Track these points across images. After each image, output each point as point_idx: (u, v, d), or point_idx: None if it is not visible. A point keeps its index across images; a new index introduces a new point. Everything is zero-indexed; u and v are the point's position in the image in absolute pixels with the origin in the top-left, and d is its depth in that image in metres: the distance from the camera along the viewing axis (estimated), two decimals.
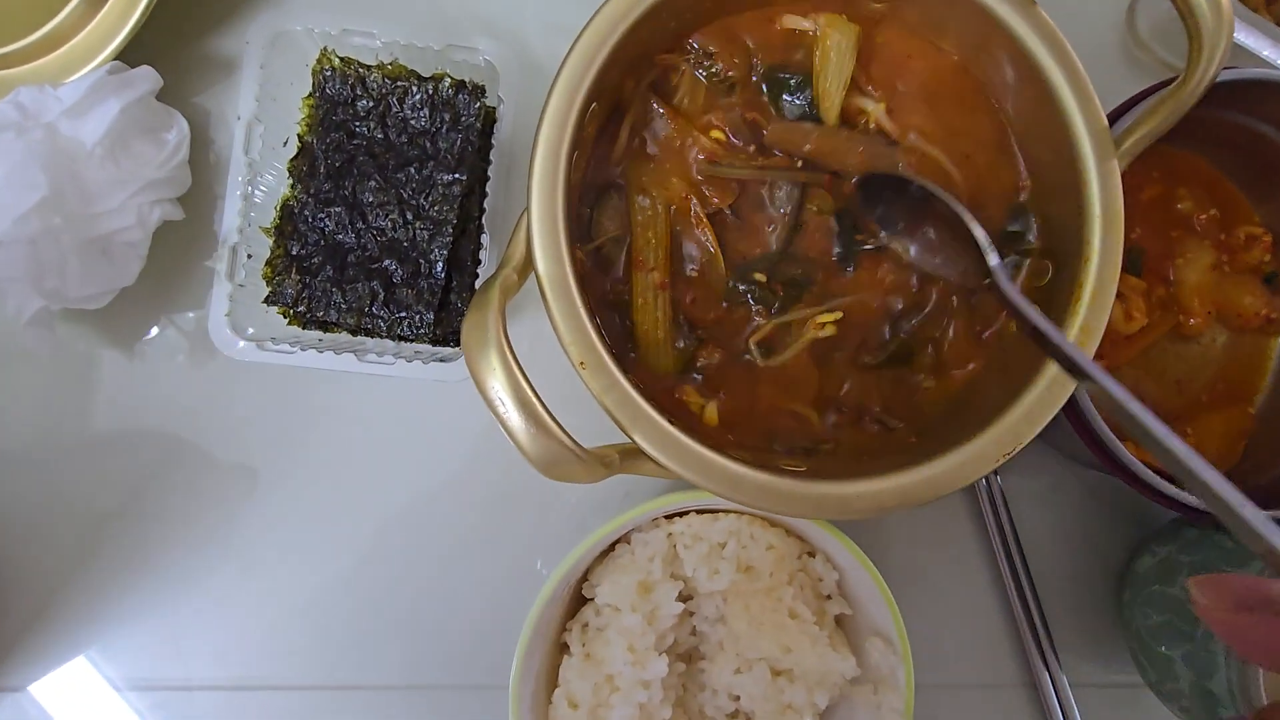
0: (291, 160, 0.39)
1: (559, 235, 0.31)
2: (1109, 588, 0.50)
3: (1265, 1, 0.48)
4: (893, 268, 0.39)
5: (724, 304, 0.38)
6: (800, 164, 0.38)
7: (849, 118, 0.40)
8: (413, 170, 0.39)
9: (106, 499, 0.46)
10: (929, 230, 0.38)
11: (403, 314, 0.38)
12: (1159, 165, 0.49)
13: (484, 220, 0.39)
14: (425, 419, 0.43)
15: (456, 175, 0.38)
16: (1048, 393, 0.33)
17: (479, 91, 0.39)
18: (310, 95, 0.40)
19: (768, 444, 0.39)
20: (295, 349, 0.37)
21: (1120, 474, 0.40)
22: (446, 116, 0.39)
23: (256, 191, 0.39)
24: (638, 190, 0.38)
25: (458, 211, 0.38)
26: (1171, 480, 0.40)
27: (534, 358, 0.43)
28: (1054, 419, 0.34)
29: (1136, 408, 0.26)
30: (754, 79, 0.39)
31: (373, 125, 0.40)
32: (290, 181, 0.39)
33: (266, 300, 0.39)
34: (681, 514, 0.37)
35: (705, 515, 0.37)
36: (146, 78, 0.41)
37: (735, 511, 0.37)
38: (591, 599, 0.37)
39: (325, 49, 0.39)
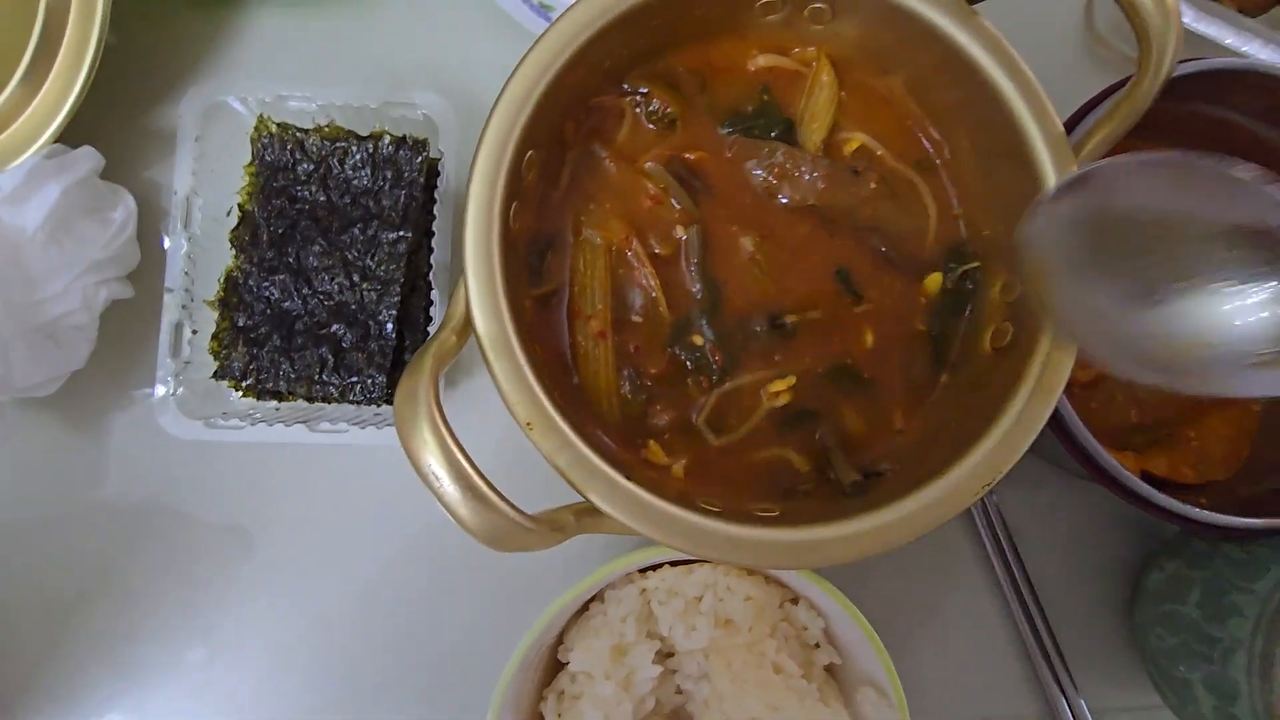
0: (233, 230, 0.38)
1: (497, 292, 0.30)
2: (1121, 606, 0.47)
3: None
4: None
5: (670, 351, 0.37)
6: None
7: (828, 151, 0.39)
8: (357, 231, 0.38)
9: (74, 581, 0.45)
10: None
11: (354, 379, 0.37)
12: None
13: (431, 276, 0.38)
14: (388, 481, 0.42)
15: (401, 232, 0.38)
16: (1026, 414, 0.31)
17: (420, 146, 0.38)
18: (250, 163, 0.39)
19: (745, 490, 0.37)
20: (245, 424, 0.36)
21: (1112, 487, 0.38)
22: (388, 174, 0.38)
23: (200, 264, 0.38)
24: (578, 235, 0.37)
25: (405, 269, 0.37)
26: (1165, 488, 0.38)
27: (489, 415, 0.42)
28: (1040, 434, 0.32)
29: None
30: (701, 115, 0.38)
31: (314, 189, 0.39)
32: (233, 252, 0.38)
33: (215, 375, 0.38)
34: (655, 567, 0.36)
35: (680, 567, 0.35)
36: (87, 158, 0.41)
37: (710, 563, 0.35)
38: (567, 664, 0.35)
39: (262, 116, 0.39)
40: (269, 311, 0.38)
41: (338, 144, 0.39)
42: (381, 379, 0.37)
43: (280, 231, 0.38)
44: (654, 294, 0.37)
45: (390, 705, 0.43)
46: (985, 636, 0.46)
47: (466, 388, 0.45)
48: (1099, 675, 0.46)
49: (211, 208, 0.39)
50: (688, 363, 0.37)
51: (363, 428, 0.36)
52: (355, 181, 0.39)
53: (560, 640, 0.36)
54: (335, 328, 0.38)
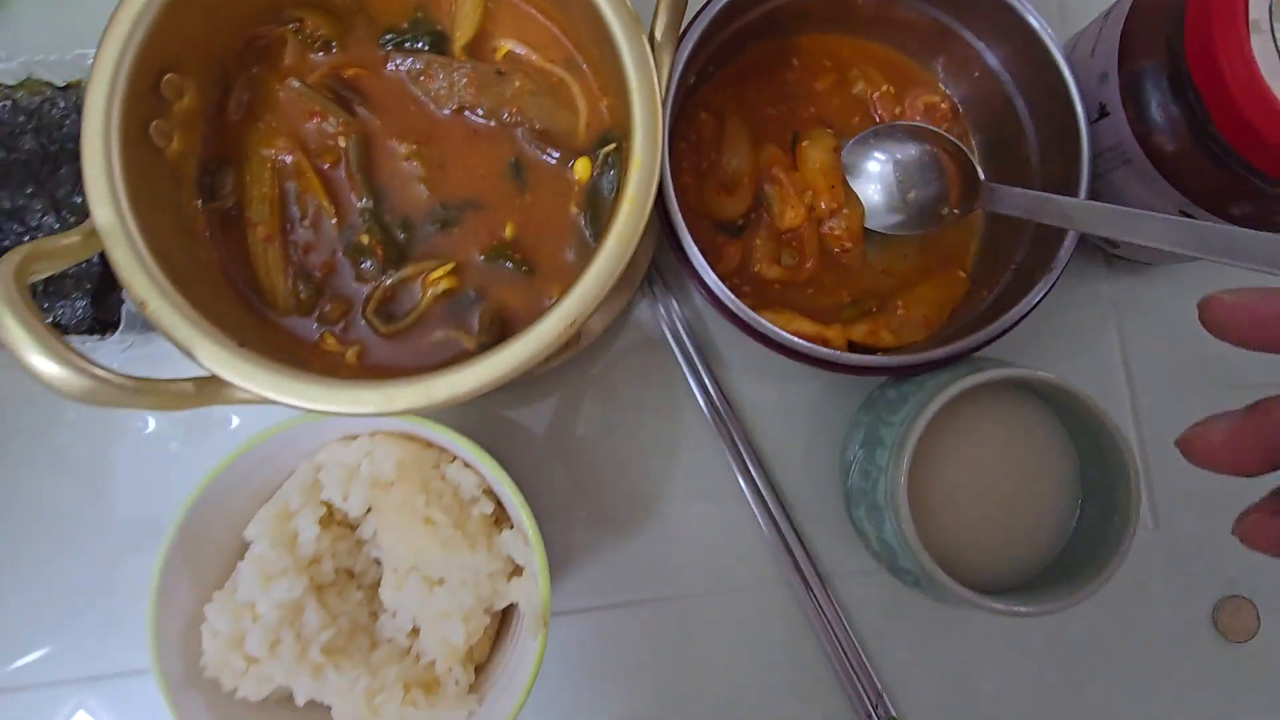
0: None
1: (114, 186, 0.34)
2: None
3: None
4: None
5: (337, 255, 0.40)
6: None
7: (478, 56, 0.42)
8: (64, 171, 0.42)
9: None
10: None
11: (62, 303, 0.41)
12: (827, 55, 0.50)
13: None
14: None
15: None
16: (601, 267, 0.34)
17: None
18: None
19: (421, 367, 0.40)
20: None
21: (725, 314, 0.40)
22: None
23: None
24: (249, 153, 0.40)
25: None
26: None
27: None
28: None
29: None
30: (362, 35, 0.42)
31: (29, 139, 0.43)
32: None
33: None
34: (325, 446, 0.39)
35: (343, 440, 0.38)
36: None
37: (368, 434, 0.38)
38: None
39: None
40: None
41: (44, 97, 0.43)
42: (85, 302, 0.41)
43: None
44: (320, 202, 0.41)
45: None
46: (725, 513, 0.48)
47: None
48: (828, 539, 0.48)
49: None
50: (354, 260, 0.40)
51: None
52: (64, 128, 0.43)
53: None
54: None
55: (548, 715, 0.46)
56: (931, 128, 0.46)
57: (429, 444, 0.39)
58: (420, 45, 0.41)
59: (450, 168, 0.41)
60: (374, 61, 0.42)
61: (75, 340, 0.42)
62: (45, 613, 0.46)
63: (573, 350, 0.46)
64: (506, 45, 0.42)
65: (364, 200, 0.40)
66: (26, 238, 0.42)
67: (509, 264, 0.41)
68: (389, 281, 0.40)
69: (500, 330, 0.40)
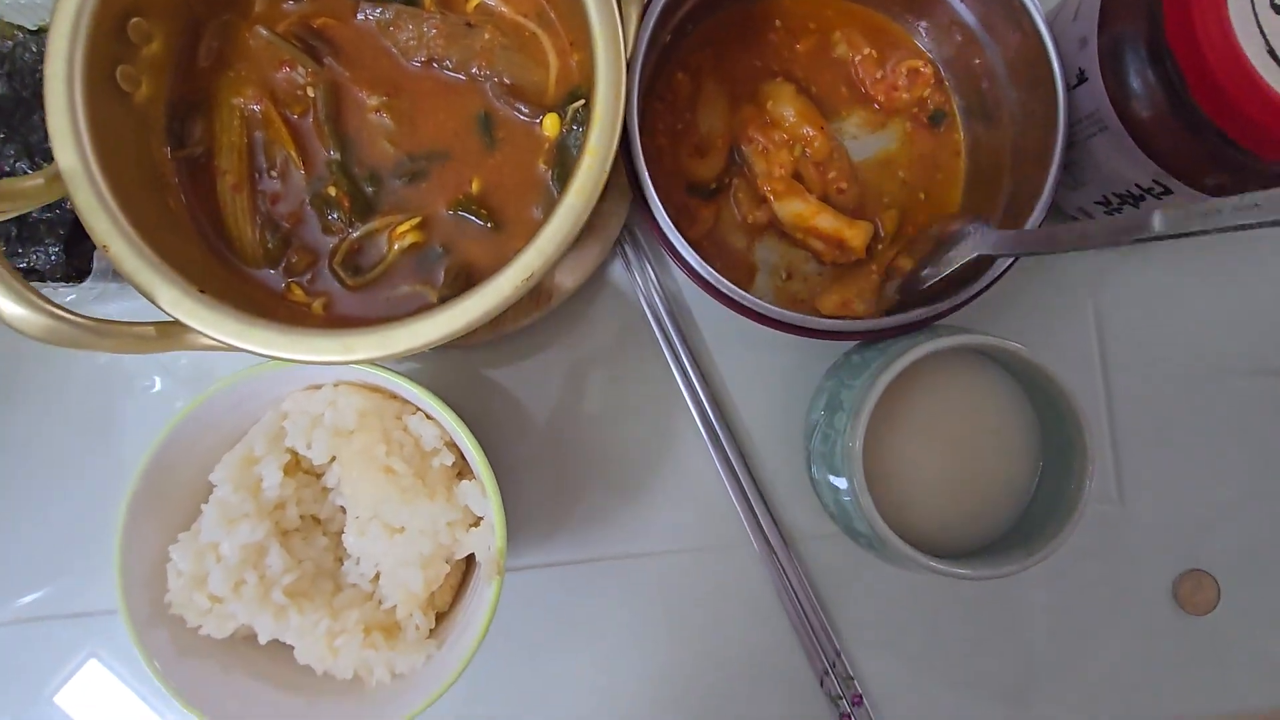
0: None
1: (77, 129, 0.34)
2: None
3: None
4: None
5: (305, 206, 0.40)
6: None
7: (448, 6, 0.42)
8: (37, 118, 0.42)
9: None
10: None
11: (36, 249, 0.42)
12: (811, 16, 0.50)
13: None
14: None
15: None
16: (560, 223, 0.34)
17: None
18: None
19: (383, 317, 0.41)
20: None
21: (695, 279, 0.40)
22: None
23: None
24: (217, 101, 0.40)
25: None
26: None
27: None
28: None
29: None
30: None
31: (0, 83, 0.43)
32: None
33: None
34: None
35: (308, 390, 0.39)
36: None
37: (332, 384, 0.39)
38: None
39: None
40: None
41: (16, 41, 0.43)
42: (59, 248, 0.42)
43: None
44: (288, 152, 0.40)
45: None
46: (683, 471, 0.49)
47: None
48: (794, 502, 0.49)
49: None
50: (321, 212, 0.40)
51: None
52: (39, 74, 0.43)
53: None
54: None
55: (510, 668, 0.47)
56: None
57: (393, 395, 0.39)
58: None
59: (419, 121, 0.41)
60: (344, 10, 0.41)
61: (48, 287, 0.42)
62: (50, 553, 0.48)
63: (544, 308, 0.46)
64: None
65: (332, 151, 0.40)
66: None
67: (475, 219, 0.41)
68: (356, 234, 0.40)
69: (465, 284, 0.40)
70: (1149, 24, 0.37)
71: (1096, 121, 0.41)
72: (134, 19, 0.37)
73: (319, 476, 0.40)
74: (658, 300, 0.49)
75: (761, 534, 0.48)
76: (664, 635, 0.49)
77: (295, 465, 0.39)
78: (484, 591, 0.37)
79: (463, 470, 0.40)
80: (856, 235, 0.46)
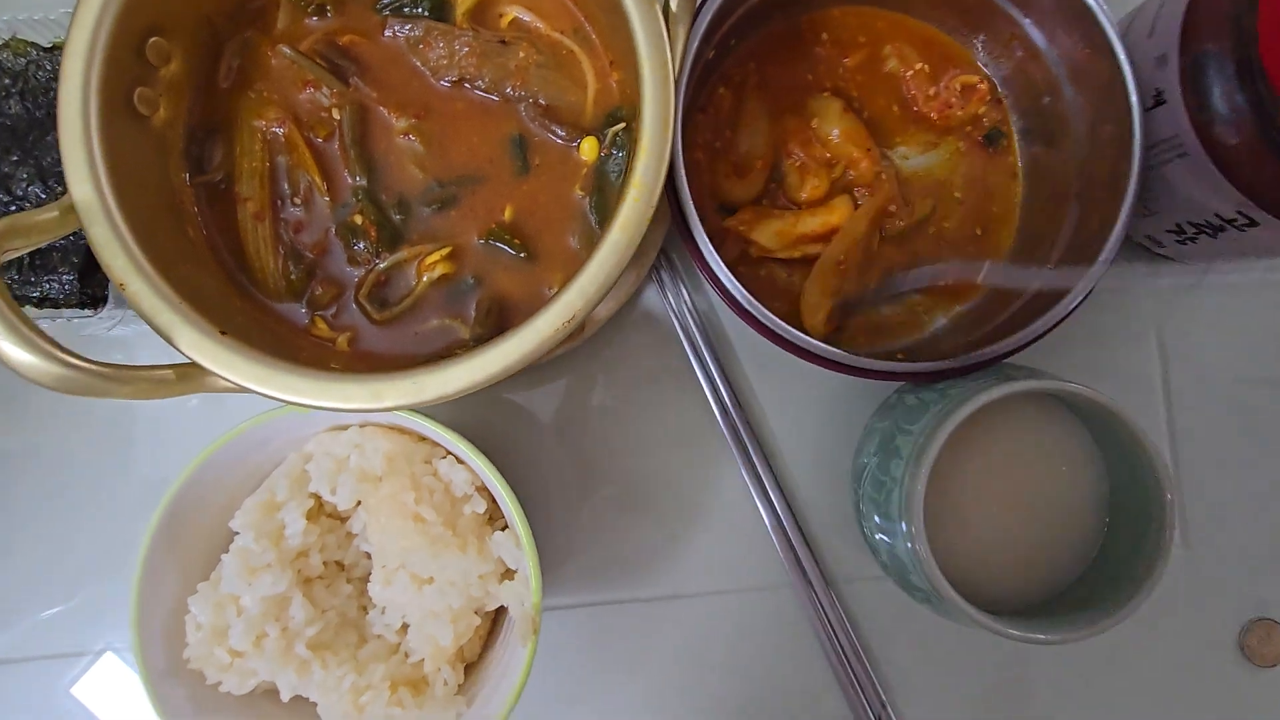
0: None
1: (92, 159, 0.32)
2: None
3: None
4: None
5: (330, 235, 0.38)
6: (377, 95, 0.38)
7: (481, 23, 0.40)
8: (51, 138, 0.40)
9: None
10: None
11: (49, 277, 0.40)
12: (863, 30, 0.47)
13: None
14: None
15: None
16: (599, 267, 0.32)
17: None
18: None
19: (412, 356, 0.39)
20: None
21: (738, 310, 0.38)
22: None
23: None
24: (238, 124, 0.38)
25: None
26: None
27: None
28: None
29: None
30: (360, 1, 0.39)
31: (13, 103, 0.41)
32: None
33: None
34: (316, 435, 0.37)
35: (332, 430, 0.37)
36: None
37: (358, 425, 0.37)
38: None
39: None
40: None
41: (29, 58, 0.41)
42: (72, 277, 0.40)
43: None
44: (313, 178, 0.38)
45: None
46: (721, 507, 0.47)
47: None
48: (837, 542, 0.46)
49: None
50: (347, 242, 0.38)
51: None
52: (52, 92, 0.41)
53: None
54: None
55: (539, 712, 0.45)
56: None
57: (421, 438, 0.37)
58: (420, 10, 0.38)
59: (449, 144, 0.39)
60: (371, 27, 0.39)
61: (64, 315, 0.41)
62: (67, 567, 0.46)
63: (577, 339, 0.44)
64: (512, 12, 0.39)
65: (358, 177, 0.38)
66: (13, 208, 0.41)
67: (508, 248, 0.38)
68: (383, 265, 0.38)
69: (498, 319, 0.38)
70: (1237, 40, 0.34)
71: (1175, 146, 0.38)
72: (153, 38, 0.35)
73: (344, 521, 0.38)
74: (693, 325, 0.46)
75: (803, 575, 0.46)
76: (700, 680, 0.46)
77: (319, 510, 0.37)
78: (517, 650, 0.34)
79: (494, 515, 0.38)
80: (838, 212, 0.43)
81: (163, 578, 0.35)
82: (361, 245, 0.38)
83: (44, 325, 0.39)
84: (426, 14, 0.38)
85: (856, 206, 0.44)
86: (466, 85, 0.39)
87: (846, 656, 0.46)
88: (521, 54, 0.38)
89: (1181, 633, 0.47)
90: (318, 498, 0.37)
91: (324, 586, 0.37)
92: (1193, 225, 0.40)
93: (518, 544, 0.34)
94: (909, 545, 0.35)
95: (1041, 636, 0.34)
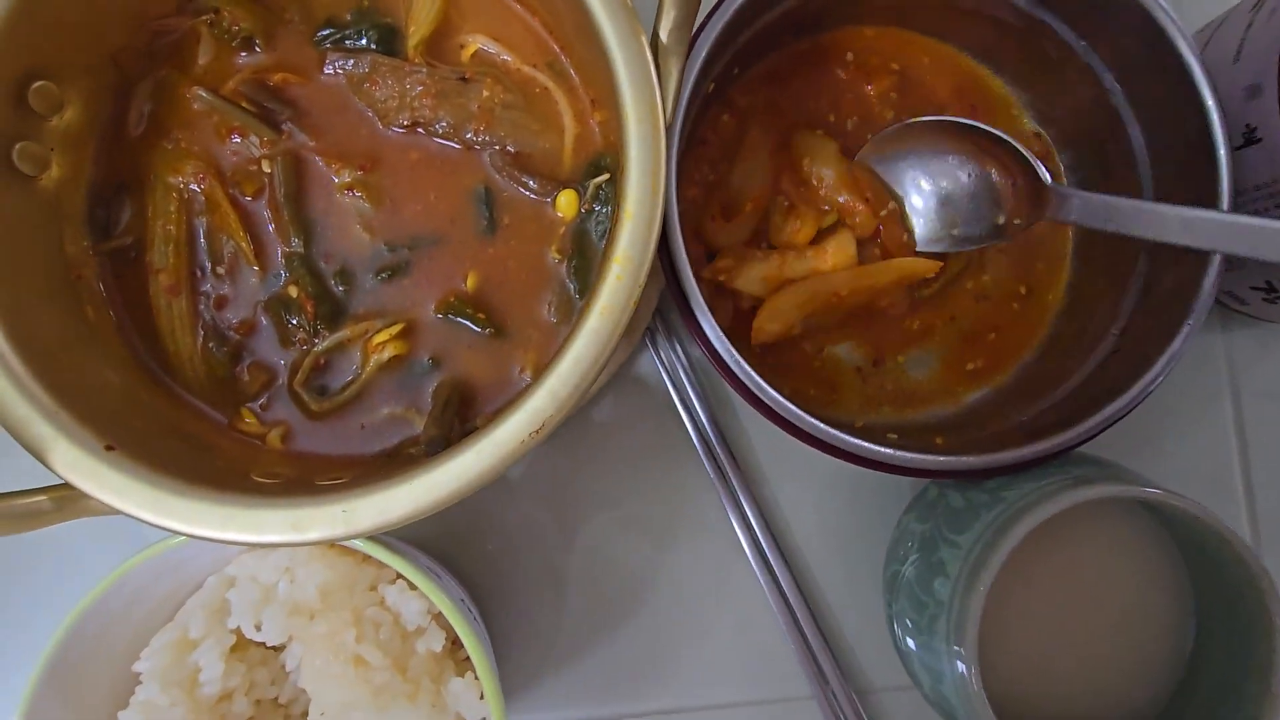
0: None
1: None
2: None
3: None
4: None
5: (259, 312, 0.32)
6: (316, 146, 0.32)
7: (438, 57, 0.34)
8: None
9: None
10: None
11: None
12: (897, 56, 0.41)
13: None
14: None
15: None
16: (570, 368, 0.26)
17: None
18: None
19: (355, 455, 0.32)
20: None
21: (745, 394, 0.32)
22: None
23: None
24: (150, 180, 0.32)
25: None
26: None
27: None
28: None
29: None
30: (296, 32, 0.33)
31: None
32: None
33: None
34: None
35: (259, 549, 0.31)
36: None
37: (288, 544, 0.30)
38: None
39: None
40: None
41: None
42: None
43: None
44: (239, 244, 0.32)
45: None
46: (754, 623, 0.40)
47: None
48: (866, 654, 0.40)
49: None
50: (279, 318, 0.32)
51: None
52: None
53: None
54: None
55: None
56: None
57: (365, 557, 0.31)
58: (365, 43, 0.32)
59: (401, 201, 0.33)
60: (308, 64, 0.33)
61: None
62: None
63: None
64: (475, 43, 0.33)
65: (292, 242, 0.32)
66: None
67: (472, 324, 0.32)
68: (322, 346, 0.32)
69: (459, 408, 0.32)
70: None
71: (1272, 195, 0.32)
72: (37, 83, 0.29)
73: (278, 651, 0.32)
74: (692, 394, 0.40)
75: (824, 685, 0.39)
76: None
77: (244, 643, 0.31)
78: None
79: (456, 643, 0.31)
80: (834, 255, 0.37)
81: None
82: (296, 322, 0.32)
83: None
84: (373, 46, 0.32)
85: (858, 248, 0.38)
86: (421, 131, 0.32)
87: None
88: (486, 93, 0.32)
89: None
90: (238, 633, 0.30)
91: None
92: None
93: (480, 696, 0.28)
94: (959, 684, 0.29)
95: None
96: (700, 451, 0.40)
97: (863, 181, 0.39)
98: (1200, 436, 0.41)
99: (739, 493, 0.40)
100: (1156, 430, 0.41)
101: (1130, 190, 0.36)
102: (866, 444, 0.31)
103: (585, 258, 0.32)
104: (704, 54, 0.32)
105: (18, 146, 0.29)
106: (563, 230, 0.33)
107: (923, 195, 0.38)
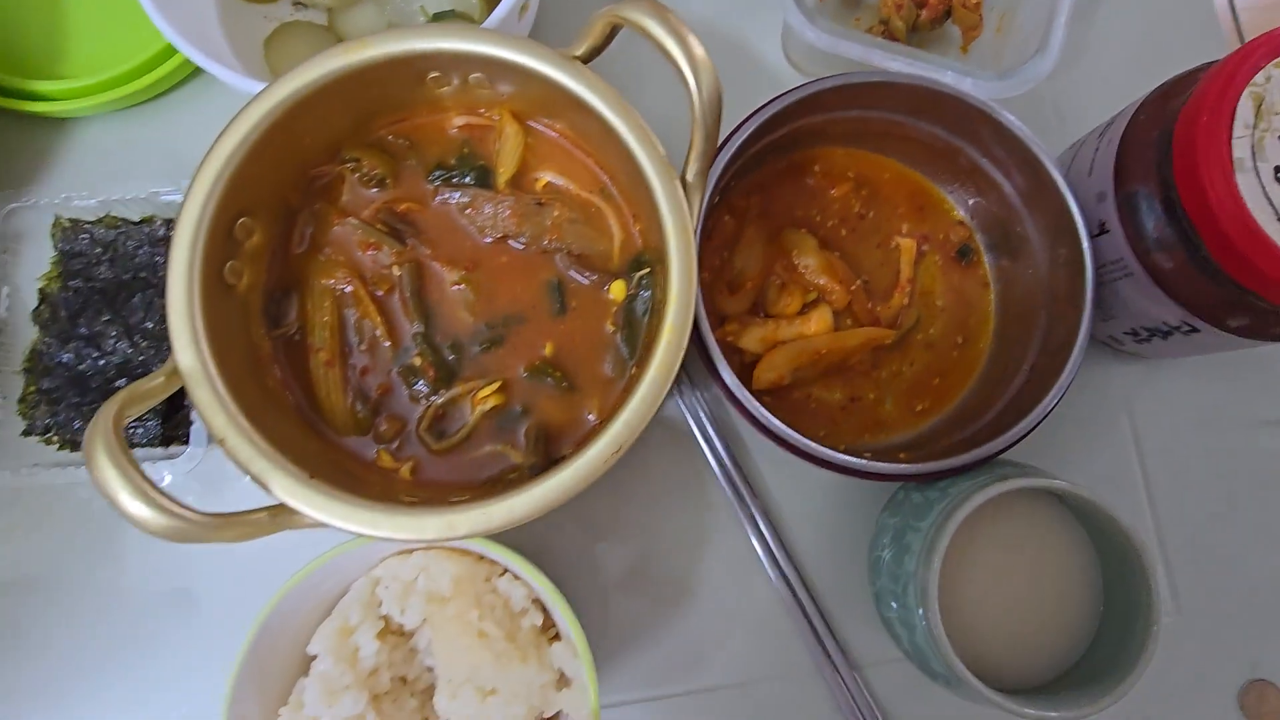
0: (34, 310, 0.46)
1: (195, 331, 0.37)
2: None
3: (896, 7, 0.54)
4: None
5: (392, 376, 0.43)
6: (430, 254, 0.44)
7: (520, 187, 0.46)
8: (136, 299, 0.46)
9: None
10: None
11: (136, 424, 0.44)
12: (853, 166, 0.54)
13: None
14: None
15: None
16: (646, 396, 0.37)
17: None
18: (55, 253, 0.47)
19: (468, 481, 0.43)
20: (45, 468, 0.43)
21: (755, 424, 0.42)
22: (162, 249, 0.46)
23: (7, 341, 0.45)
24: (309, 283, 0.43)
25: None
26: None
27: None
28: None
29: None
30: (413, 171, 0.45)
31: (104, 269, 0.46)
32: (36, 329, 0.46)
33: (24, 433, 0.45)
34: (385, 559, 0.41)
35: (400, 555, 0.41)
36: None
37: (424, 549, 0.40)
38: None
39: (57, 216, 0.47)
40: (67, 375, 0.45)
41: (119, 230, 0.47)
42: (155, 421, 0.44)
43: (76, 308, 0.46)
44: (376, 327, 0.44)
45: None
46: (760, 608, 0.50)
47: None
48: (858, 628, 0.50)
49: (21, 293, 0.46)
50: (407, 381, 0.43)
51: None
52: (138, 259, 0.47)
53: None
54: (120, 382, 0.45)
55: None
56: None
57: (480, 557, 0.41)
58: (467, 179, 0.45)
59: (495, 291, 0.44)
60: (424, 195, 0.45)
61: (153, 455, 0.45)
62: (151, 704, 0.48)
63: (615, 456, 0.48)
64: (546, 177, 0.45)
65: (416, 324, 0.43)
66: (101, 361, 0.45)
67: (550, 380, 0.43)
68: (440, 400, 0.43)
69: (545, 444, 0.43)
70: (1160, 182, 0.41)
71: (1122, 268, 0.44)
72: (241, 219, 0.40)
73: (408, 638, 0.41)
74: (710, 430, 0.51)
75: (829, 662, 0.49)
76: None
77: (386, 628, 0.40)
78: None
79: (547, 624, 0.41)
80: (814, 322, 0.49)
81: (247, 705, 0.38)
82: (421, 384, 0.43)
83: None
84: (472, 183, 0.45)
85: (836, 317, 0.51)
86: (509, 241, 0.45)
87: None
88: (556, 212, 0.44)
89: (1183, 698, 0.50)
90: (386, 619, 0.40)
91: (391, 702, 0.40)
92: (1145, 330, 0.46)
93: (575, 654, 0.38)
94: (926, 632, 0.39)
95: (1053, 714, 0.37)
96: (719, 476, 0.51)
97: (837, 266, 0.51)
98: (1107, 446, 0.53)
99: (751, 508, 0.51)
100: (1075, 442, 0.53)
101: (1030, 261, 0.49)
102: (851, 459, 0.42)
103: (633, 328, 0.43)
104: (713, 181, 0.44)
105: (227, 265, 0.40)
106: (615, 309, 0.44)
107: None
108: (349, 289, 0.43)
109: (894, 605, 0.42)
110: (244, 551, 0.47)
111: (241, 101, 0.39)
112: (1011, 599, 0.42)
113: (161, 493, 0.33)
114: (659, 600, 0.50)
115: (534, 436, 0.42)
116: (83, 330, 0.45)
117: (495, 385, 0.43)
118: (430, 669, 0.41)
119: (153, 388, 0.36)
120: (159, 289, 0.46)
